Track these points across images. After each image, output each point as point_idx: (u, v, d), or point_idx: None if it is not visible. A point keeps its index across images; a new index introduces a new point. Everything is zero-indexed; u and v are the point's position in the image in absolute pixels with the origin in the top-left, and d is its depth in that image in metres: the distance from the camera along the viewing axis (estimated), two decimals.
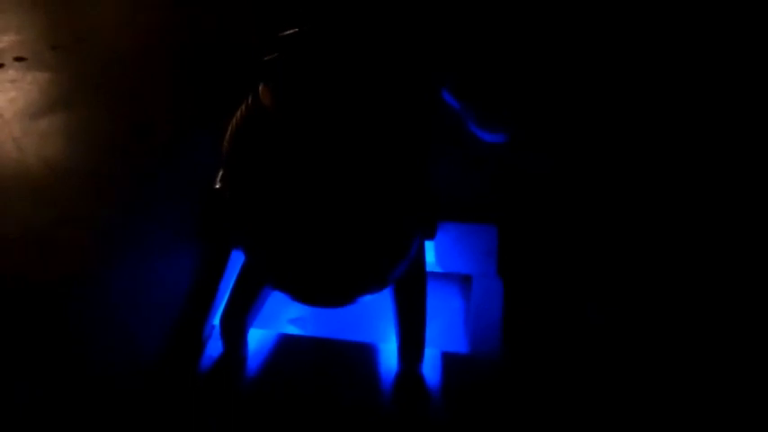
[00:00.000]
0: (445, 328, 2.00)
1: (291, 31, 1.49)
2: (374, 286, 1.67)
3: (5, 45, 3.07)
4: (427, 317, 1.80)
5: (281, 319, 2.07)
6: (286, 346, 1.89)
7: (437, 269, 2.08)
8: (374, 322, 2.00)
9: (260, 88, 1.48)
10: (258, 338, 1.90)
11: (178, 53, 3.18)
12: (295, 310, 2.07)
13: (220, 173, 1.66)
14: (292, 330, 2.04)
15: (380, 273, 1.63)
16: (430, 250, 2.06)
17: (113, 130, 2.73)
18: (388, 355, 1.85)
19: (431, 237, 1.72)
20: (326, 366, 1.82)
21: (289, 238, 1.53)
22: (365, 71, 1.45)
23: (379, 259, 1.60)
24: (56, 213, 2.36)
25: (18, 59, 3.02)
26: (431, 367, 1.82)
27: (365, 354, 1.86)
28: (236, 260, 1.99)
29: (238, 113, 1.54)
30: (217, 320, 1.89)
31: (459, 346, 1.96)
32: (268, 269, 1.69)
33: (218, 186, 1.63)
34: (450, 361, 1.83)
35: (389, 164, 1.47)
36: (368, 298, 1.72)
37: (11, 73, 2.96)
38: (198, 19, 3.43)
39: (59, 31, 3.27)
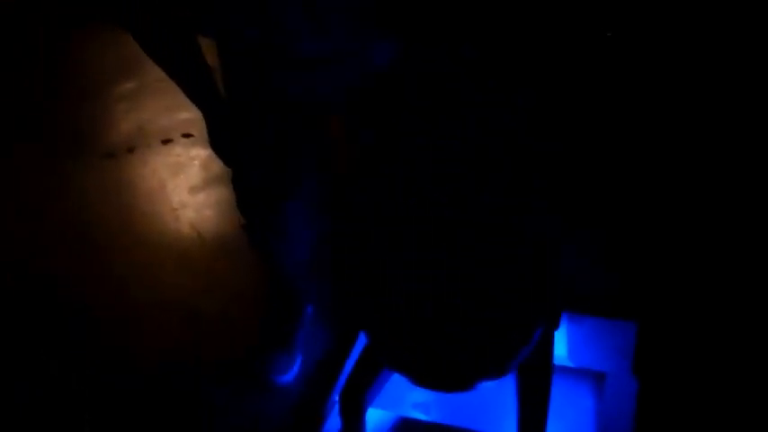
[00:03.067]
0: (572, 427, 1.91)
1: None
2: (493, 372, 1.62)
3: (176, 123, 3.28)
4: (554, 413, 1.73)
5: (405, 402, 2.04)
6: (405, 430, 1.86)
7: (569, 363, 2.00)
8: (502, 412, 1.94)
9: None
10: (378, 419, 1.88)
11: None
12: (420, 394, 2.03)
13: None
14: (415, 414, 2.00)
15: (499, 358, 1.59)
16: (562, 343, 1.99)
17: None
18: None
19: (554, 326, 1.66)
20: None
21: (409, 318, 1.52)
22: None
23: (498, 344, 1.56)
24: (203, 284, 2.48)
25: (185, 136, 3.21)
26: None
27: None
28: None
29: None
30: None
31: None
32: (388, 348, 1.67)
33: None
34: None
35: (509, 244, 1.45)
36: (488, 384, 1.67)
37: (177, 149, 3.16)
38: None
39: None
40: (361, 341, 2.00)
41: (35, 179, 3.07)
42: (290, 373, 2.07)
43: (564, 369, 1.99)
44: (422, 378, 1.68)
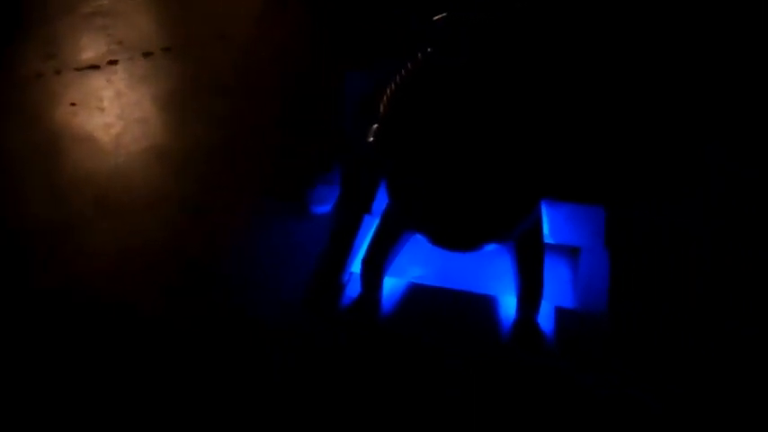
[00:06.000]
0: (556, 289, 2.19)
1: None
2: (501, 234, 1.91)
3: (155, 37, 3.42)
4: None
5: (408, 274, 2.28)
6: (417, 293, 2.14)
7: (550, 240, 2.28)
8: (491, 279, 2.22)
9: (427, 51, 1.79)
10: (391, 285, 2.15)
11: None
12: (420, 268, 2.29)
13: (373, 129, 1.92)
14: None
15: (509, 222, 1.88)
16: (544, 223, 2.27)
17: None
18: (507, 306, 2.09)
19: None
20: (453, 311, 2.07)
21: (437, 182, 1.79)
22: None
23: (511, 209, 1.85)
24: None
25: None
26: (544, 319, 2.04)
27: (486, 303, 2.09)
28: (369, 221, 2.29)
29: (402, 75, 1.83)
30: (355, 268, 2.17)
31: (569, 303, 2.16)
32: (412, 209, 1.93)
33: (371, 140, 1.89)
34: (562, 314, 2.05)
35: (533, 130, 1.75)
36: (490, 248, 1.96)
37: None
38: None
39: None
40: (367, 221, 2.28)
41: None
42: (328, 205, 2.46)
43: (546, 246, 2.28)
44: (440, 236, 1.96)
